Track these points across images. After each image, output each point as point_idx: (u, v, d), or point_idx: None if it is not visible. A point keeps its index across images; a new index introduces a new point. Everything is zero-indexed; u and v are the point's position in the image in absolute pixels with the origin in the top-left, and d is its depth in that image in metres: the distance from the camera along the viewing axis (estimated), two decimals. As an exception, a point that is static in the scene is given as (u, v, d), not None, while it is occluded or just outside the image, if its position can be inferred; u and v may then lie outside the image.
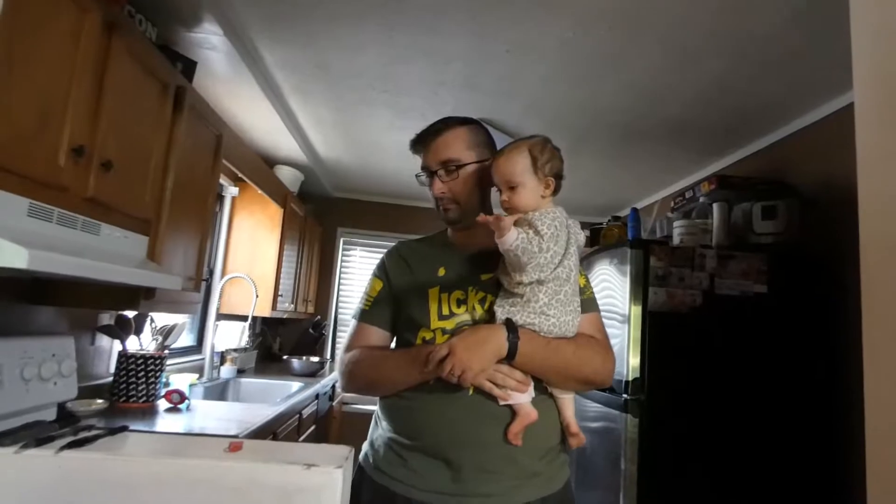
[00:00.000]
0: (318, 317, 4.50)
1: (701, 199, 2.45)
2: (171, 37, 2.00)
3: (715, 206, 2.33)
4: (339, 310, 4.75)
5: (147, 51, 1.63)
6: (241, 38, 2.15)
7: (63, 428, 0.87)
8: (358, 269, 4.78)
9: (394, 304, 1.18)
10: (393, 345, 1.21)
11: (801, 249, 2.27)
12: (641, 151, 3.13)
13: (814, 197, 2.33)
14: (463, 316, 1.09)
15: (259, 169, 3.14)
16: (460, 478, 1.02)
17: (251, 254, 3.45)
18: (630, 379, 2.12)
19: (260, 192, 3.14)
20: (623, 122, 2.74)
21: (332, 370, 3.91)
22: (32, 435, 0.71)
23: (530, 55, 2.16)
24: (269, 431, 2.16)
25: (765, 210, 2.27)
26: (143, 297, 1.76)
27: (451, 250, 1.21)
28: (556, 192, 1.08)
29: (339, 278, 4.77)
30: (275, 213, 3.45)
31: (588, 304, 1.15)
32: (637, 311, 2.15)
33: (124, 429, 0.87)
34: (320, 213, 4.53)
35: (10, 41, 1.06)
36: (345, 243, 4.78)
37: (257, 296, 3.09)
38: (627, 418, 2.08)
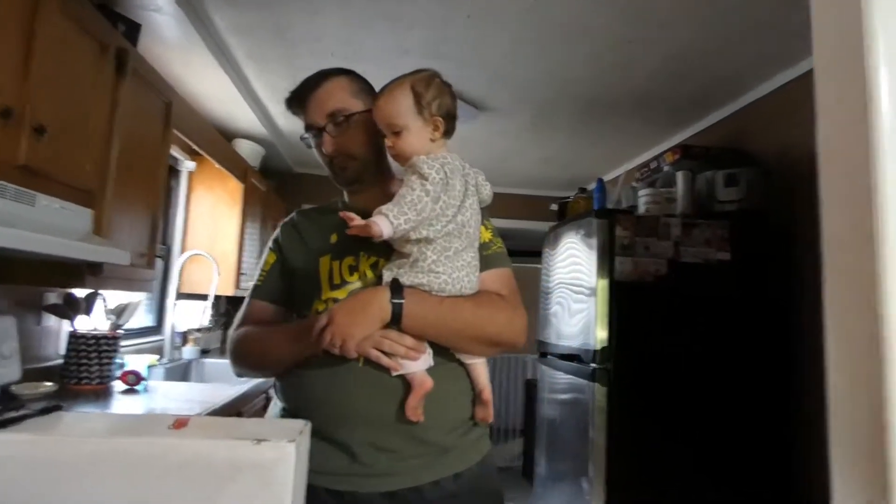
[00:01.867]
0: (284, 295, 4.40)
1: (666, 169, 2.46)
2: (112, -5, 1.86)
3: (679, 174, 2.34)
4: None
5: (81, 8, 1.50)
6: (191, 0, 2.01)
7: None
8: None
9: (287, 277, 1.11)
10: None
11: (762, 216, 2.30)
12: (607, 124, 3.12)
13: (773, 165, 2.37)
14: (355, 283, 1.00)
15: (215, 141, 3.00)
16: (356, 459, 0.93)
17: (211, 231, 3.32)
18: (598, 349, 2.13)
19: (217, 165, 3.01)
20: (588, 95, 2.72)
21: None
22: None
23: (492, 22, 2.10)
24: (233, 411, 2.10)
25: (727, 178, 2.29)
26: (88, 273, 1.66)
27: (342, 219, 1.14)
28: (448, 133, 0.99)
29: (305, 256, 4.65)
30: (235, 188, 3.32)
31: (494, 259, 1.06)
32: (604, 281, 2.16)
33: (57, 408, 0.80)
34: (283, 189, 4.39)
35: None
36: (310, 220, 4.66)
37: (219, 274, 2.99)
38: (595, 387, 2.10)
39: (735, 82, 2.48)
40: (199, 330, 3.30)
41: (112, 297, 2.28)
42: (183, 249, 3.26)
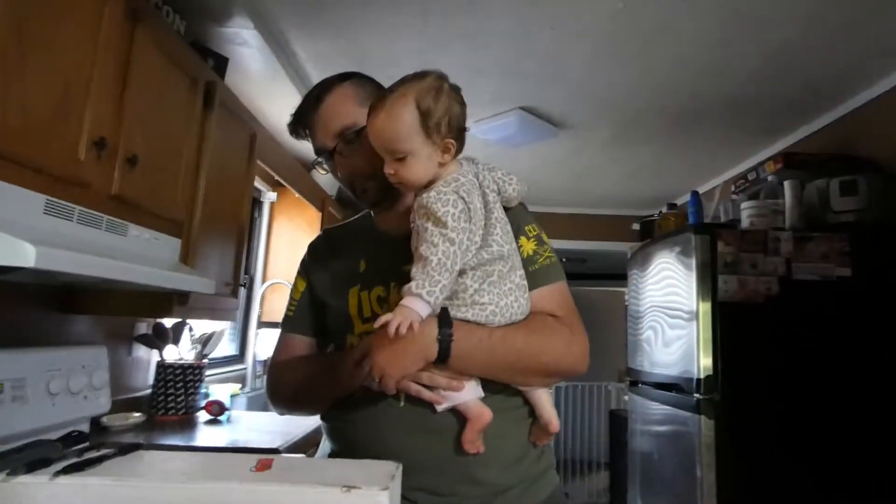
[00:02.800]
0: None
1: (770, 179, 2.22)
2: (202, 32, 1.94)
3: (786, 184, 2.10)
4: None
5: (174, 43, 1.56)
6: (272, 32, 2.08)
7: (79, 445, 0.77)
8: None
9: (318, 306, 1.01)
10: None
11: (887, 227, 2.01)
12: (695, 135, 2.90)
13: (895, 170, 2.07)
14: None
15: (295, 171, 3.07)
16: None
17: (291, 259, 3.38)
18: (702, 377, 1.91)
19: (297, 195, 3.08)
20: (676, 104, 2.53)
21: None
22: (26, 458, 0.60)
23: (576, 32, 2.00)
24: (313, 442, 2.06)
25: (843, 186, 2.03)
26: (176, 303, 1.68)
27: (374, 237, 0.99)
28: (458, 151, 0.84)
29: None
30: (313, 217, 3.39)
31: (542, 274, 0.90)
32: (706, 303, 1.94)
33: (137, 447, 0.75)
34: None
35: (22, 25, 0.98)
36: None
37: (297, 302, 3.02)
38: (702, 420, 1.87)
39: (843, 81, 2.22)
40: (279, 358, 3.34)
41: (198, 327, 2.33)
42: (264, 278, 3.34)
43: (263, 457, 0.72)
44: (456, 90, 0.82)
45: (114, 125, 1.26)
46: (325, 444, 1.00)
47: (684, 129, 2.81)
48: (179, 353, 2.16)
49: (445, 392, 0.81)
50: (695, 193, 2.44)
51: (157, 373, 2.01)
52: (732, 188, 2.69)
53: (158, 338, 2.04)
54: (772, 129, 2.76)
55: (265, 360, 3.23)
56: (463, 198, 0.80)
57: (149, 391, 2.05)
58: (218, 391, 2.37)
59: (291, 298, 1.05)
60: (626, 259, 4.48)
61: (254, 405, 2.85)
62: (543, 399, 0.90)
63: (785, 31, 1.89)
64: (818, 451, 1.86)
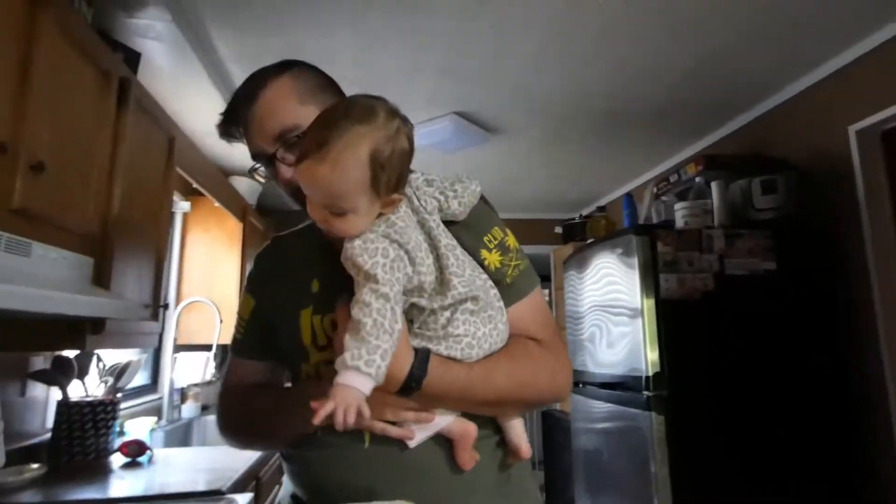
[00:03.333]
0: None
1: (697, 181, 2.35)
2: (111, 22, 1.70)
3: (713, 184, 2.23)
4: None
5: (83, 31, 1.34)
6: (191, 25, 1.87)
7: None
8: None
9: (269, 328, 0.88)
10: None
11: (802, 223, 2.20)
12: (622, 138, 3.02)
13: (808, 169, 2.28)
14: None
15: (216, 179, 2.82)
16: None
17: (209, 275, 3.10)
18: (651, 374, 1.96)
19: (217, 204, 2.82)
20: (607, 108, 2.62)
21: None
22: None
23: (518, 33, 1.99)
24: (252, 477, 1.86)
25: (764, 185, 2.19)
26: (89, 332, 1.44)
27: (328, 253, 0.83)
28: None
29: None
30: (233, 228, 3.13)
31: (515, 288, 0.81)
32: (650, 301, 2.00)
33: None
34: (280, 226, 4.19)
35: None
36: (308, 258, 4.46)
37: (221, 321, 2.76)
38: (652, 416, 1.92)
39: (760, 86, 2.40)
40: (198, 385, 3.04)
41: (107, 357, 2.05)
42: (178, 298, 3.03)
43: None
44: (406, 122, 0.70)
45: (14, 125, 1.04)
46: (287, 485, 0.88)
47: (612, 132, 2.92)
48: (86, 388, 1.87)
49: (416, 425, 0.73)
50: (629, 196, 2.53)
51: (59, 414, 1.72)
52: (654, 189, 2.83)
53: (60, 373, 1.75)
54: (692, 132, 2.94)
55: (183, 388, 2.92)
56: (397, 241, 0.69)
57: (47, 436, 1.75)
58: (134, 428, 2.09)
59: (240, 318, 0.93)
60: (548, 262, 4.63)
61: (173, 440, 2.56)
62: (514, 424, 0.82)
63: (717, 36, 1.99)
64: (756, 439, 1.97)
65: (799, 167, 2.28)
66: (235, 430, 0.91)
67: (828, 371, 2.06)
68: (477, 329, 0.73)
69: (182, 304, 2.85)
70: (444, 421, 0.75)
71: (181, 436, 2.71)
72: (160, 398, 2.75)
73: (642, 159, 3.39)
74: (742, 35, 1.98)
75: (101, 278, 1.46)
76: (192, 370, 3.06)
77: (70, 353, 1.79)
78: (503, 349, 0.77)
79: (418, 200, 0.75)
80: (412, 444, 0.74)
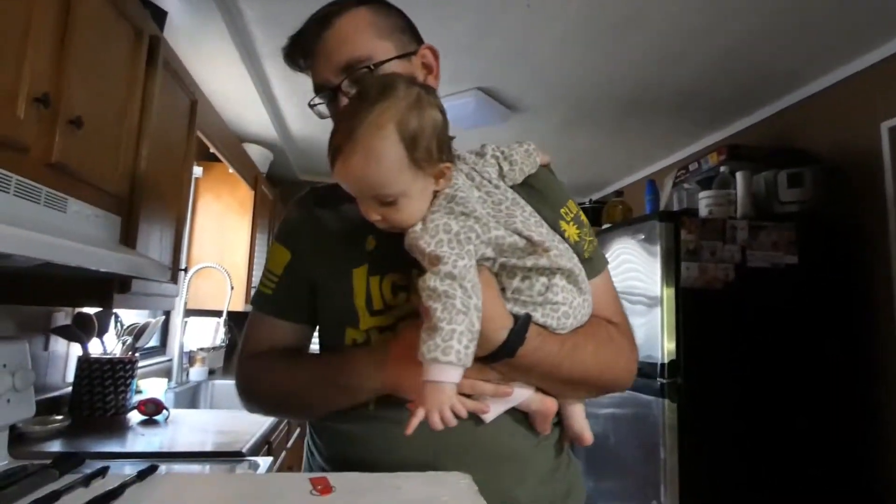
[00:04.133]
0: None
1: (722, 170, 2.33)
2: (136, -24, 1.65)
3: (738, 175, 2.21)
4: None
5: (118, -16, 1.30)
6: (218, -17, 1.82)
7: (59, 468, 0.60)
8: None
9: (305, 285, 0.80)
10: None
11: (827, 217, 2.19)
12: (642, 123, 2.99)
13: (833, 163, 2.26)
14: (405, 307, 0.73)
15: (232, 144, 2.79)
16: None
17: (219, 241, 3.09)
18: (666, 362, 1.98)
19: (231, 171, 2.79)
20: (632, 91, 2.58)
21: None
22: (27, 493, 0.45)
23: (548, 12, 1.94)
24: (265, 441, 1.88)
25: (791, 178, 2.17)
26: (117, 291, 1.44)
27: None
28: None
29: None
30: (245, 195, 3.11)
31: (592, 264, 0.77)
32: (670, 289, 2.01)
33: (153, 469, 0.61)
34: (287, 197, 4.17)
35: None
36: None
37: (232, 287, 2.76)
38: (665, 403, 1.94)
39: (788, 76, 2.37)
40: (205, 350, 3.05)
41: (125, 317, 2.05)
42: (188, 262, 3.02)
43: (313, 476, 0.61)
44: (429, 90, 0.67)
45: (55, 79, 1.02)
46: (315, 456, 0.82)
47: (633, 117, 2.89)
48: (105, 346, 1.88)
49: (491, 398, 0.69)
50: (651, 182, 2.51)
51: (80, 369, 1.74)
52: (675, 177, 2.81)
53: (82, 329, 1.76)
54: (714, 120, 2.90)
55: (192, 352, 2.94)
56: (461, 211, 0.65)
57: (68, 390, 1.76)
58: (150, 387, 2.11)
59: (269, 273, 0.83)
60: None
61: (182, 401, 2.58)
62: (577, 410, 0.79)
63: (750, 23, 1.95)
64: (768, 432, 1.99)
65: (825, 161, 2.26)
66: (261, 396, 0.83)
67: (844, 368, 2.07)
68: (573, 298, 0.69)
69: (193, 269, 2.85)
70: (522, 395, 0.71)
71: (189, 398, 2.73)
72: (170, 360, 2.77)
73: (661, 146, 3.35)
74: (775, 24, 1.94)
75: (129, 238, 1.45)
76: (200, 335, 3.08)
77: (90, 311, 1.79)
78: (586, 327, 0.72)
79: (479, 175, 0.72)
80: (487, 418, 0.70)
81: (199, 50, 2.17)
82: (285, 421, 2.39)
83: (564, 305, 0.68)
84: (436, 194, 0.68)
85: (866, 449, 2.04)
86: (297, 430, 2.80)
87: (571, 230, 0.77)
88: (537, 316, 0.67)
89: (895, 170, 2.04)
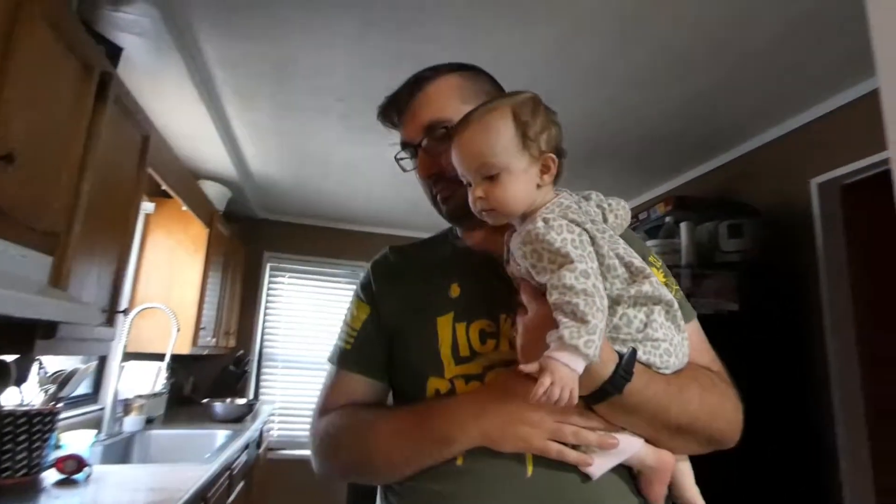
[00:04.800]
0: (241, 351, 4.01)
1: (667, 220, 2.42)
2: (93, 13, 1.63)
3: (682, 225, 2.30)
4: (265, 343, 4.27)
5: (68, 20, 1.27)
6: (179, 24, 1.81)
7: None
8: (286, 297, 4.35)
9: (385, 340, 0.81)
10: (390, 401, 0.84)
11: (766, 266, 2.29)
12: (597, 173, 3.10)
13: (772, 216, 2.39)
14: (492, 355, 0.72)
15: (186, 181, 2.72)
16: None
17: (168, 280, 2.96)
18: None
19: (185, 208, 2.71)
20: (588, 144, 2.68)
21: (262, 412, 3.45)
22: None
23: (513, 64, 2.02)
24: (200, 498, 1.75)
25: (731, 229, 2.28)
26: (40, 336, 1.34)
27: (466, 256, 0.82)
28: (557, 176, 0.71)
29: (266, 308, 4.30)
30: (199, 233, 3.01)
31: (685, 309, 0.75)
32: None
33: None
34: (245, 235, 4.08)
35: None
36: (272, 269, 4.34)
37: (178, 329, 2.63)
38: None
39: (732, 132, 2.51)
40: (144, 396, 2.86)
41: (50, 363, 1.90)
42: (132, 302, 2.87)
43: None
44: (552, 112, 0.72)
45: (-12, 110, 0.97)
46: None
47: (591, 167, 2.99)
48: (23, 396, 1.73)
49: (597, 449, 0.64)
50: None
51: (-10, 424, 1.58)
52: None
53: (-1, 378, 1.61)
54: (666, 170, 3.03)
55: (128, 399, 2.75)
56: (574, 220, 0.66)
57: (-27, 448, 1.59)
58: (72, 441, 1.93)
59: (349, 328, 0.84)
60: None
61: (112, 455, 2.39)
62: (687, 472, 0.73)
63: (701, 81, 2.06)
64: (710, 478, 1.99)
65: (764, 213, 2.39)
66: (339, 454, 0.77)
67: (786, 410, 2.12)
68: (673, 335, 0.67)
69: (136, 311, 2.70)
70: (631, 446, 0.65)
71: (121, 451, 2.53)
72: (101, 409, 2.57)
73: (616, 195, 3.45)
74: (723, 83, 2.07)
75: (59, 279, 1.36)
76: (139, 380, 2.89)
77: (8, 358, 1.66)
78: (687, 370, 0.69)
79: (585, 212, 0.72)
80: (595, 473, 0.63)
81: (156, 87, 2.13)
82: (227, 473, 2.25)
83: (665, 342, 0.66)
84: (539, 191, 0.69)
85: (812, 485, 2.07)
86: (240, 484, 2.63)
87: (659, 275, 0.77)
88: (639, 354, 0.64)
89: (824, 222, 2.17)
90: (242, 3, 1.71)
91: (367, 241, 4.44)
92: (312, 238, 4.39)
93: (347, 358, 0.83)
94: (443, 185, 0.79)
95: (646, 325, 0.65)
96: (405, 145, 0.82)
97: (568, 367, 0.58)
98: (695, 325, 0.79)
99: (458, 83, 0.81)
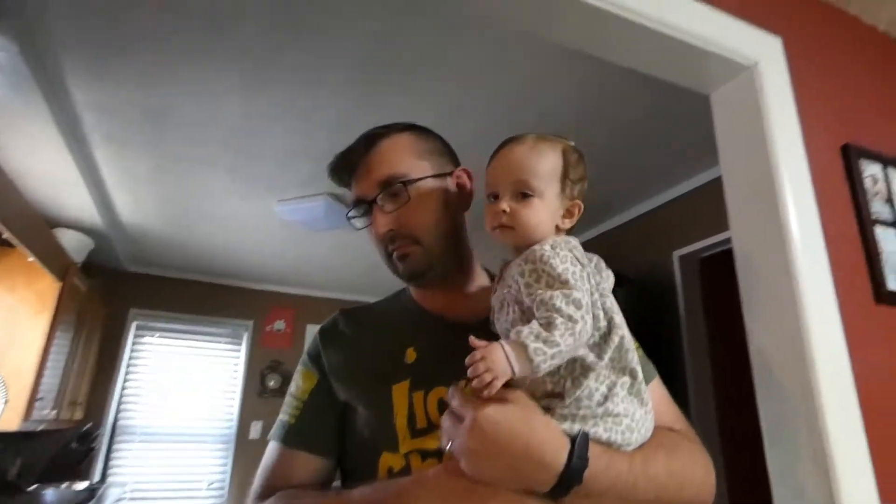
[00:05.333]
0: (90, 424, 3.46)
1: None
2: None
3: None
4: (121, 414, 3.73)
5: None
6: (44, 63, 1.64)
7: None
8: (153, 360, 3.89)
9: (337, 411, 0.75)
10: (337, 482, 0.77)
11: (635, 331, 2.47)
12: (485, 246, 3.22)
13: (642, 284, 2.62)
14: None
15: (37, 229, 2.38)
16: None
17: (3, 344, 2.51)
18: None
19: (32, 259, 2.36)
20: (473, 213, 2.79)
21: (108, 497, 2.96)
22: None
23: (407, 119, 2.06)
24: None
25: (606, 297, 2.45)
26: None
27: (422, 319, 0.79)
28: (571, 230, 0.72)
29: (127, 372, 3.80)
30: (47, 288, 2.62)
31: (646, 369, 0.74)
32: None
33: None
34: (108, 290, 3.63)
35: None
36: (138, 328, 3.88)
37: (6, 401, 2.22)
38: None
39: (608, 204, 2.75)
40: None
41: None
42: (-50, 368, 2.39)
43: None
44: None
45: None
46: None
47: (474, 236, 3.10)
48: None
49: None
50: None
51: None
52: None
53: None
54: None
55: None
56: (580, 260, 0.65)
57: None
58: None
59: (294, 399, 0.77)
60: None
61: None
62: None
63: (595, 138, 2.15)
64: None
65: (636, 283, 2.62)
66: None
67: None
68: (635, 409, 0.63)
69: (-45, 378, 2.25)
70: None
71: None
72: None
73: (492, 265, 3.61)
74: (602, 162, 2.27)
75: None
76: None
77: None
78: (651, 437, 0.65)
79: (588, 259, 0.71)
80: None
81: (12, 123, 1.89)
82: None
83: (626, 418, 0.61)
84: (557, 231, 0.69)
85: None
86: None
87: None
88: (599, 431, 0.59)
89: (685, 291, 2.42)
90: (117, 48, 1.60)
91: (253, 299, 4.17)
92: (190, 294, 4.02)
93: (290, 433, 0.75)
94: (400, 243, 0.75)
95: (606, 399, 0.61)
96: (358, 202, 0.78)
97: (507, 361, 0.56)
98: (657, 382, 0.77)
99: (412, 140, 0.80)
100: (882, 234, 1.18)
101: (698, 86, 1.18)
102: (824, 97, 1.21)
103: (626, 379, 0.63)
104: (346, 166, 0.80)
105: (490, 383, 0.56)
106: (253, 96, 1.85)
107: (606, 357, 0.62)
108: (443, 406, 0.65)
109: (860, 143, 1.22)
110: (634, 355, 0.65)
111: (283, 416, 0.77)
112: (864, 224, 1.16)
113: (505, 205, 0.67)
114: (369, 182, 0.76)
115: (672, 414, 0.74)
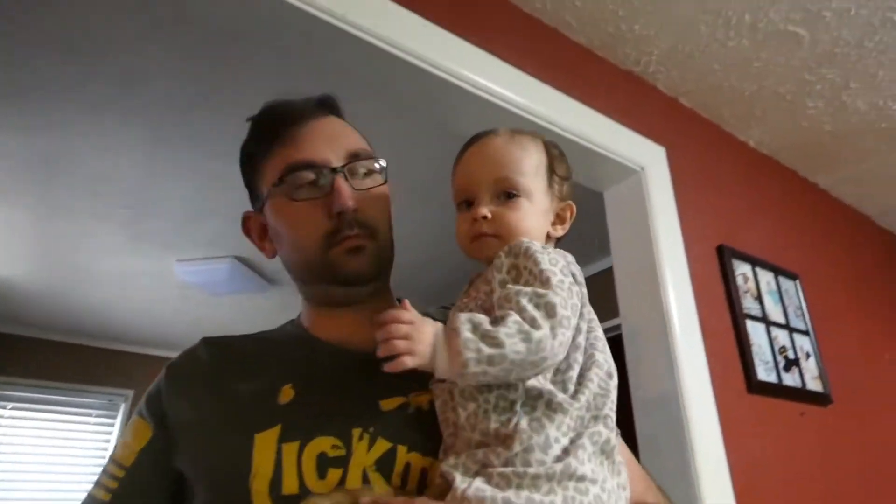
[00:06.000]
0: None
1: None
2: None
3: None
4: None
5: None
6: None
7: None
8: (5, 438, 3.30)
9: (173, 474, 0.54)
10: None
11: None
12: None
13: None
14: (334, 496, 0.47)
15: None
16: None
17: None
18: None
19: None
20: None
21: None
22: None
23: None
24: None
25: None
26: None
27: (311, 348, 0.60)
28: (560, 239, 0.62)
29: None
30: None
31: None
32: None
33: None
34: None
35: None
36: (-8, 397, 3.33)
37: None
38: None
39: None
40: None
41: None
42: None
43: None
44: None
45: None
46: None
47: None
48: None
49: None
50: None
51: None
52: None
53: None
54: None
55: None
56: (573, 272, 0.53)
57: None
58: None
59: (114, 466, 0.55)
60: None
61: None
62: None
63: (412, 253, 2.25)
64: None
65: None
66: None
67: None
68: (606, 478, 0.45)
69: None
70: None
71: None
72: None
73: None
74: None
75: None
76: None
77: None
78: None
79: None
80: None
81: None
82: None
83: (595, 486, 0.43)
84: (548, 240, 0.60)
85: None
86: None
87: None
88: (556, 501, 0.41)
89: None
90: (10, 92, 1.49)
91: (137, 364, 3.72)
92: (59, 358, 3.51)
93: (109, 501, 0.54)
94: (359, 231, 0.58)
95: (567, 453, 0.44)
96: (307, 166, 0.58)
97: (432, 343, 0.46)
98: (624, 446, 0.62)
99: (353, 129, 0.68)
100: (752, 328, 1.30)
101: (594, 184, 1.29)
102: (702, 201, 1.36)
103: (599, 430, 0.47)
104: (278, 127, 0.61)
105: (398, 358, 0.44)
106: (158, 152, 1.78)
107: (583, 399, 0.47)
108: (324, 464, 0.48)
109: (732, 244, 1.36)
110: (612, 402, 0.50)
111: (94, 491, 0.55)
112: (737, 318, 1.28)
113: (485, 209, 0.55)
114: (334, 147, 0.60)
115: (644, 482, 0.59)
